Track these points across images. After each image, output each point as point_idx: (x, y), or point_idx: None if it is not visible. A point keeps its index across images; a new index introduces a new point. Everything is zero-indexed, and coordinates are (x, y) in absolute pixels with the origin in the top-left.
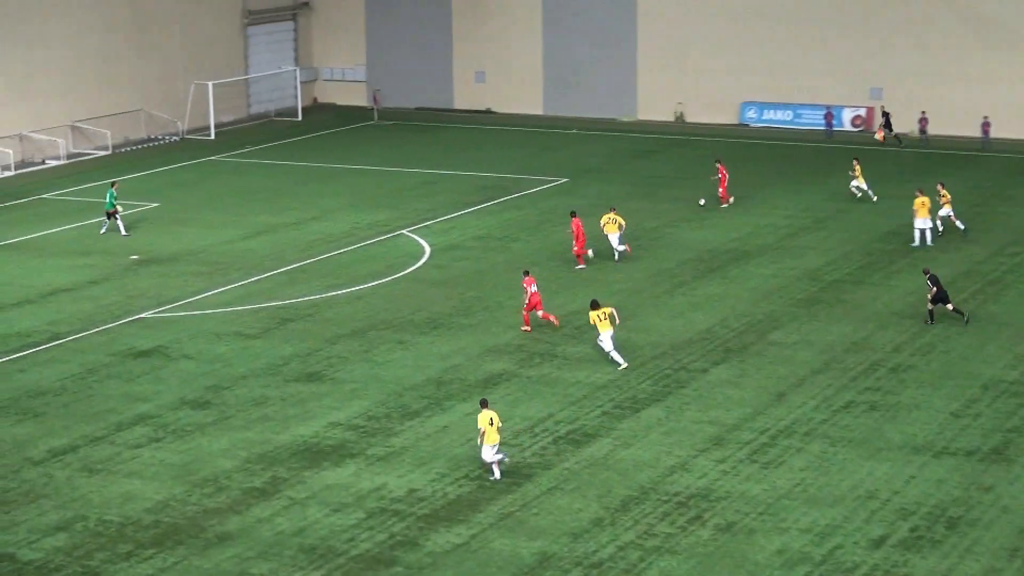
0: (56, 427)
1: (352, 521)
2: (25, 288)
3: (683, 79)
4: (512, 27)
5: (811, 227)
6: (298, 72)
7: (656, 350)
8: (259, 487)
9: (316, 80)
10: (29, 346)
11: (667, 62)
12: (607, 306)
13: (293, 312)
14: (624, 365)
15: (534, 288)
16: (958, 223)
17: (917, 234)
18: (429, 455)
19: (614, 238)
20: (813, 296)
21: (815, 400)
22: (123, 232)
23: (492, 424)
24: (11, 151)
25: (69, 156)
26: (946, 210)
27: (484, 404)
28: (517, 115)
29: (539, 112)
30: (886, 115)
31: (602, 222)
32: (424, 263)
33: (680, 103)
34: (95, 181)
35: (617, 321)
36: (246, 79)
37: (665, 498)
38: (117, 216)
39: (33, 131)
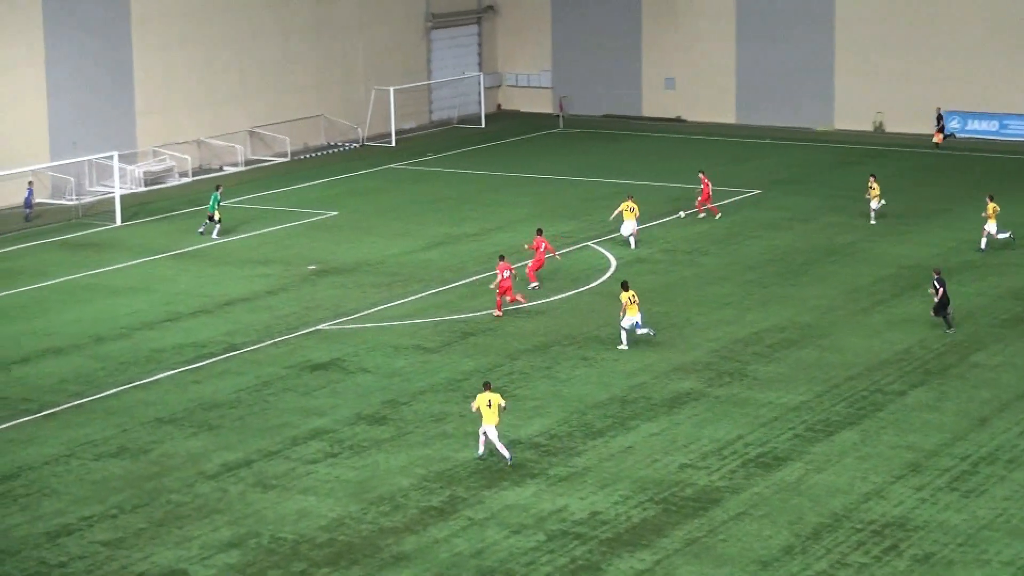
0: (231, 441)
1: (532, 544)
2: (202, 298)
3: (882, 87)
4: (704, 32)
5: (1017, 243)
6: (482, 77)
7: (851, 371)
8: (437, 506)
9: (500, 86)
10: (205, 357)
11: (866, 69)
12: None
13: (474, 325)
14: (652, 333)
15: (507, 274)
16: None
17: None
18: (612, 476)
19: (629, 225)
20: (1018, 316)
21: (1020, 426)
22: (214, 235)
23: (490, 406)
24: (189, 157)
25: (247, 163)
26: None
27: (487, 387)
28: (708, 123)
29: (731, 120)
30: (940, 117)
31: (620, 209)
32: (610, 276)
33: (880, 112)
34: (274, 188)
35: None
36: (428, 84)
37: (859, 526)
38: (216, 220)
39: (211, 136)
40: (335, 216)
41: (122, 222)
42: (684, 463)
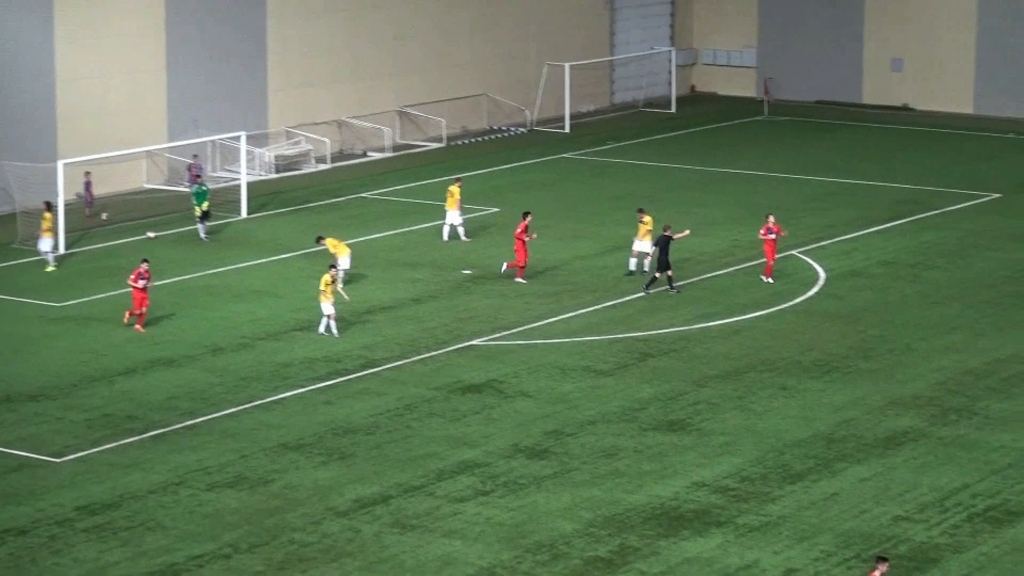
0: (366, 472)
1: None
2: (336, 304)
3: None
4: (940, 5)
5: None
6: (674, 54)
7: None
8: (604, 556)
9: (695, 64)
10: (338, 373)
11: None
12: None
13: (655, 346)
14: (337, 336)
15: (141, 284)
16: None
17: (633, 261)
18: (813, 528)
19: (453, 215)
20: None
21: None
22: (203, 236)
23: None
24: (328, 140)
25: (395, 148)
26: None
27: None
28: (941, 113)
29: (969, 111)
30: None
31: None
32: (817, 292)
33: None
34: (425, 179)
35: (346, 298)
36: (610, 61)
37: None
38: (204, 219)
39: (354, 117)
40: (496, 213)
41: (248, 214)
42: (898, 515)
